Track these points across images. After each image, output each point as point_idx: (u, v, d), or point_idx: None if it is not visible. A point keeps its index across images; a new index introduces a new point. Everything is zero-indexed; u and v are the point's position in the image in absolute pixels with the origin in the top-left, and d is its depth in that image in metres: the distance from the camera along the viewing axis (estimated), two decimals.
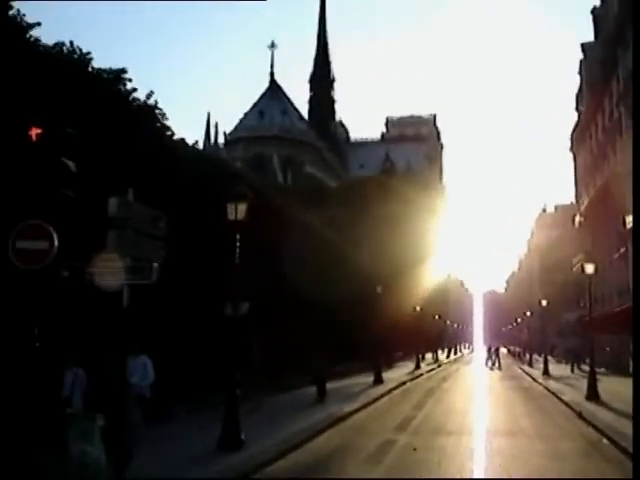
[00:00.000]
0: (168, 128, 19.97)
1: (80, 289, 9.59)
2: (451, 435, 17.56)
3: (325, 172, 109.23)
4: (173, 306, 16.28)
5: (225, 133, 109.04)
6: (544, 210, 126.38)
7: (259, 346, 19.60)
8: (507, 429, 19.29)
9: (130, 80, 17.60)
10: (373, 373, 32.35)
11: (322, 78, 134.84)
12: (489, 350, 65.04)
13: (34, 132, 8.10)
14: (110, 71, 17.32)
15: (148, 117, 18.38)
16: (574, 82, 66.06)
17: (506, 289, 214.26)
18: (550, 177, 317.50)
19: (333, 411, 20.39)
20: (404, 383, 34.75)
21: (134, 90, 17.93)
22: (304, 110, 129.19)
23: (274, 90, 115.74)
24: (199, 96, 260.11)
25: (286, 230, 27.23)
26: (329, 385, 29.30)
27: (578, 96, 64.71)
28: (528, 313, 74.00)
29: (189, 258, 16.77)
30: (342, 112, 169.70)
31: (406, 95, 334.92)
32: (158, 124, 19.35)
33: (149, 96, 18.78)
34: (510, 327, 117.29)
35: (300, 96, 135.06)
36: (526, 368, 54.17)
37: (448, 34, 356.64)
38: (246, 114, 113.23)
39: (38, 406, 8.16)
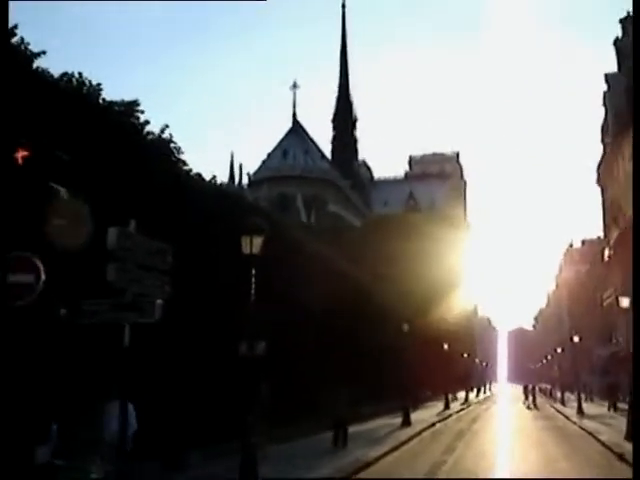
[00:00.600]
0: (184, 162, 19.32)
1: (77, 329, 8.82)
2: None
3: (348, 210, 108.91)
4: (178, 345, 15.36)
5: (249, 174, 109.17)
6: (571, 245, 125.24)
7: (269, 388, 18.24)
8: (545, 473, 18.06)
9: (142, 112, 17.01)
10: (401, 414, 31.12)
11: (344, 118, 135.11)
12: (525, 388, 63.80)
13: (20, 154, 7.44)
14: (121, 103, 16.75)
15: (161, 150, 17.75)
16: (598, 114, 65.33)
17: (534, 326, 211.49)
18: (576, 211, 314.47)
19: (358, 456, 19.25)
20: (433, 424, 33.39)
21: (147, 123, 17.35)
22: (327, 149, 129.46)
23: (296, 130, 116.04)
24: (223, 138, 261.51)
25: (307, 267, 26.52)
26: (354, 428, 28.17)
27: (603, 127, 63.80)
28: (559, 349, 72.09)
29: (200, 294, 16.00)
30: (365, 151, 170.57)
31: (429, 133, 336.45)
32: (173, 158, 18.73)
33: (163, 130, 18.23)
34: (540, 364, 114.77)
35: (323, 135, 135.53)
36: (558, 406, 52.62)
37: (470, 71, 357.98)
38: (269, 154, 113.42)
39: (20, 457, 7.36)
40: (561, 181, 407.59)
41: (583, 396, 52.37)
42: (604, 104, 61.82)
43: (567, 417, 39.18)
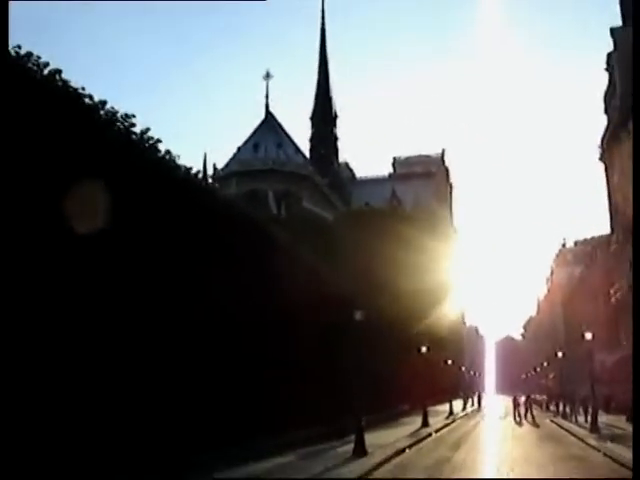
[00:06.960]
0: None
1: None
2: None
3: (325, 209, 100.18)
4: None
5: (216, 167, 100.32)
6: (564, 245, 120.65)
7: None
8: None
9: None
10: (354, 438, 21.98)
11: (323, 114, 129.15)
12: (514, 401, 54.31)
13: None
14: None
15: None
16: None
17: (523, 335, 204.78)
18: (567, 214, 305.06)
19: None
20: (401, 452, 23.95)
21: None
22: (306, 147, 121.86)
23: (269, 122, 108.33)
24: (195, 137, 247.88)
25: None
26: (276, 460, 19.34)
27: (606, 96, 56.18)
28: (560, 354, 62.95)
29: None
30: (347, 151, 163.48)
31: (414, 134, 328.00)
32: None
33: None
34: (532, 374, 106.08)
35: (301, 133, 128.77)
36: (563, 422, 43.32)
37: (455, 67, 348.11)
38: (239, 148, 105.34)
39: None
40: (552, 182, 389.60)
41: (583, 409, 43.74)
42: (608, 66, 53.79)
43: (581, 439, 29.28)
